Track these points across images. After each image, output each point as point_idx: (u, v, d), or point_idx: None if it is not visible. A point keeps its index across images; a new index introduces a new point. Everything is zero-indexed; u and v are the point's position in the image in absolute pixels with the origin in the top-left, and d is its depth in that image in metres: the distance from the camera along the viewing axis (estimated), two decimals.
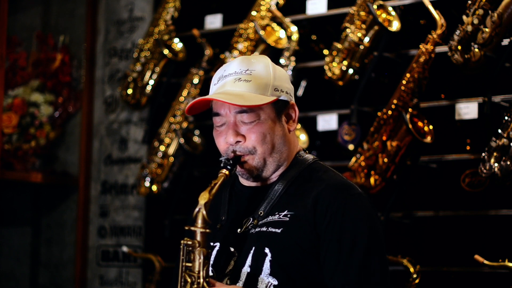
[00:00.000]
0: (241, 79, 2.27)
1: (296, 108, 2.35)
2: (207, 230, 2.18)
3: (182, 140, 4.33)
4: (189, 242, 2.18)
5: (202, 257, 2.16)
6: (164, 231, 4.47)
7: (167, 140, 4.40)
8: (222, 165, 2.27)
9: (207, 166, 4.37)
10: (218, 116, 2.30)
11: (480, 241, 3.57)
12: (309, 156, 2.38)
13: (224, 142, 2.29)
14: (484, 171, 3.31)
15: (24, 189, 5.08)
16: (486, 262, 3.24)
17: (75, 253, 4.92)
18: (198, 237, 2.18)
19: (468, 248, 3.51)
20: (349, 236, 2.19)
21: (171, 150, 4.41)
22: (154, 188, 4.41)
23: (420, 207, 3.74)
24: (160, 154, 4.40)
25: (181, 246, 2.19)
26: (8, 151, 4.76)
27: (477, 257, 3.26)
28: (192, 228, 2.19)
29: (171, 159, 4.41)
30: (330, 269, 2.18)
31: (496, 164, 3.29)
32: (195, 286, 2.15)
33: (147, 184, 4.42)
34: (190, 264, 2.18)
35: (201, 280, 2.15)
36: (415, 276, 3.59)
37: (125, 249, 4.64)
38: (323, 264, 2.19)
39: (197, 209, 2.19)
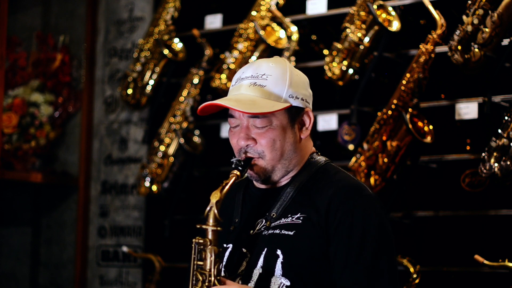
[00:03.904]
0: (256, 84, 2.29)
1: (311, 115, 2.35)
2: (219, 228, 2.20)
3: (182, 140, 4.33)
4: (201, 241, 2.20)
5: (213, 255, 2.18)
6: (164, 231, 4.48)
7: (167, 140, 4.40)
8: (233, 166, 2.29)
9: (207, 166, 4.36)
10: (233, 117, 2.32)
11: (480, 241, 3.57)
12: (321, 158, 2.39)
13: (236, 144, 2.32)
14: (484, 171, 3.31)
15: (24, 189, 5.08)
16: (486, 262, 3.25)
17: (75, 253, 4.92)
18: (210, 235, 2.20)
19: (468, 248, 3.51)
20: (358, 236, 2.20)
21: (171, 150, 4.41)
22: (154, 188, 4.41)
23: (420, 207, 3.74)
24: (160, 154, 4.40)
25: (193, 245, 2.21)
26: (8, 151, 4.76)
27: (477, 257, 3.26)
28: (204, 226, 2.21)
29: (171, 159, 4.41)
30: (339, 270, 2.19)
31: (496, 164, 3.28)
32: (207, 284, 2.17)
33: (147, 184, 4.42)
34: (201, 263, 2.20)
35: (212, 278, 2.17)
36: (415, 276, 3.59)
37: (125, 249, 4.64)
38: (333, 264, 2.20)
39: (208, 208, 2.21)
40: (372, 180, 3.60)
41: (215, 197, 2.20)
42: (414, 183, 3.73)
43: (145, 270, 4.65)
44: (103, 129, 4.95)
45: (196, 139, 4.39)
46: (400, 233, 3.74)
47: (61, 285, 5.00)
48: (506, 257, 3.26)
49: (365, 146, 3.66)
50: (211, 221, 2.20)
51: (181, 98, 4.40)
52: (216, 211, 2.19)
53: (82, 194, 4.93)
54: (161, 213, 4.54)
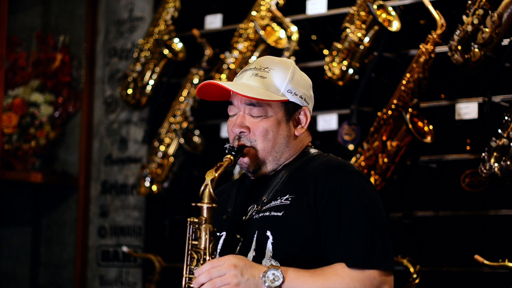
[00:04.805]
0: (258, 75, 2.34)
1: (308, 114, 2.39)
2: (214, 205, 2.24)
3: (182, 140, 4.33)
4: (195, 220, 2.23)
5: (208, 234, 2.21)
6: (164, 231, 4.48)
7: (167, 140, 4.40)
8: (226, 151, 2.33)
9: (207, 166, 4.34)
10: (232, 105, 2.37)
11: (480, 241, 3.57)
12: (314, 150, 2.43)
13: (231, 132, 2.36)
14: (484, 171, 3.31)
15: (24, 189, 5.08)
16: (486, 262, 3.25)
17: (75, 253, 4.92)
18: (205, 213, 2.23)
19: (468, 248, 3.51)
20: (348, 212, 2.22)
21: (171, 150, 4.41)
22: (154, 188, 4.41)
23: (420, 207, 3.74)
24: (160, 154, 4.40)
25: (188, 224, 2.24)
26: (8, 151, 4.76)
27: (477, 257, 3.26)
28: (199, 204, 2.24)
29: (171, 159, 4.41)
30: (331, 245, 2.22)
31: (496, 164, 3.29)
32: (201, 262, 2.20)
33: (147, 184, 4.42)
34: (196, 242, 2.22)
35: (207, 256, 2.20)
36: (415, 276, 3.59)
37: (125, 249, 4.64)
38: (324, 241, 2.23)
39: (203, 186, 2.25)
40: (372, 180, 3.60)
41: (210, 175, 2.25)
42: (414, 183, 3.72)
43: (145, 270, 4.65)
44: (103, 129, 4.95)
45: (196, 139, 4.39)
46: (400, 233, 3.74)
47: (61, 285, 5.00)
48: (506, 257, 3.26)
49: (365, 146, 3.66)
50: (206, 199, 2.24)
51: (181, 98, 4.40)
52: (211, 189, 2.23)
53: (82, 194, 4.93)
54: (161, 213, 4.54)
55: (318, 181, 2.26)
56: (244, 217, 2.34)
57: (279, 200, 2.30)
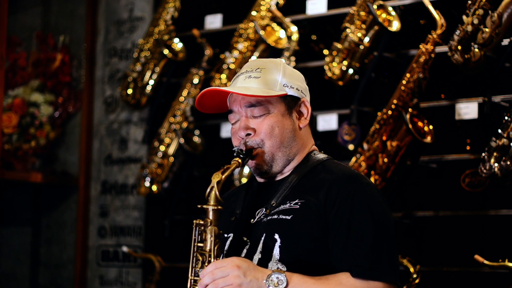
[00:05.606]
0: (251, 76, 2.35)
1: (308, 105, 2.41)
2: (219, 207, 2.23)
3: (182, 140, 4.33)
4: (201, 222, 2.23)
5: (213, 236, 2.21)
6: (164, 231, 4.48)
7: (167, 140, 4.40)
8: (235, 154, 2.32)
9: (207, 166, 4.37)
10: (232, 113, 2.38)
11: (480, 241, 3.57)
12: (323, 155, 2.43)
13: (237, 138, 2.36)
14: (484, 171, 3.31)
15: (24, 189, 5.08)
16: (486, 262, 3.25)
17: (75, 253, 4.92)
18: (210, 216, 2.23)
19: (468, 248, 3.51)
20: (358, 222, 2.22)
21: (171, 150, 4.41)
22: (154, 188, 4.41)
23: (420, 207, 3.74)
24: (160, 154, 4.40)
25: (193, 226, 2.24)
26: (8, 151, 4.76)
27: (477, 257, 3.26)
28: (205, 206, 2.24)
29: (171, 159, 4.41)
30: (338, 253, 2.22)
31: (496, 164, 3.29)
32: (206, 264, 2.20)
33: (147, 184, 4.42)
34: (202, 244, 2.23)
35: (212, 258, 2.20)
36: (415, 276, 3.59)
37: (125, 249, 4.64)
38: (332, 249, 2.23)
39: (209, 188, 2.24)
40: (372, 180, 3.60)
41: (216, 177, 2.24)
42: (414, 183, 3.73)
43: (145, 270, 4.65)
44: (103, 129, 4.95)
45: (196, 139, 4.39)
46: (400, 233, 3.74)
47: (61, 285, 5.00)
48: (506, 257, 3.26)
49: (365, 146, 3.66)
50: (212, 201, 2.23)
51: (181, 98, 4.40)
52: (217, 191, 2.23)
53: (82, 194, 4.93)
54: (161, 213, 4.54)
55: (331, 188, 2.26)
56: (252, 220, 2.34)
57: (288, 204, 2.30)
